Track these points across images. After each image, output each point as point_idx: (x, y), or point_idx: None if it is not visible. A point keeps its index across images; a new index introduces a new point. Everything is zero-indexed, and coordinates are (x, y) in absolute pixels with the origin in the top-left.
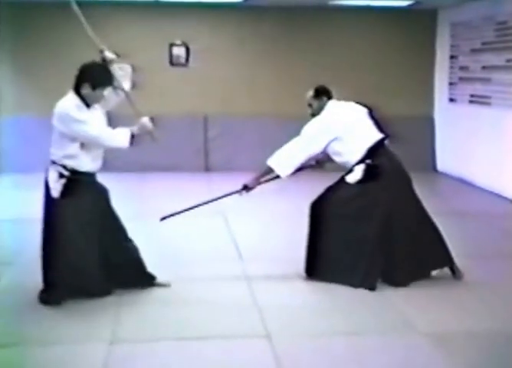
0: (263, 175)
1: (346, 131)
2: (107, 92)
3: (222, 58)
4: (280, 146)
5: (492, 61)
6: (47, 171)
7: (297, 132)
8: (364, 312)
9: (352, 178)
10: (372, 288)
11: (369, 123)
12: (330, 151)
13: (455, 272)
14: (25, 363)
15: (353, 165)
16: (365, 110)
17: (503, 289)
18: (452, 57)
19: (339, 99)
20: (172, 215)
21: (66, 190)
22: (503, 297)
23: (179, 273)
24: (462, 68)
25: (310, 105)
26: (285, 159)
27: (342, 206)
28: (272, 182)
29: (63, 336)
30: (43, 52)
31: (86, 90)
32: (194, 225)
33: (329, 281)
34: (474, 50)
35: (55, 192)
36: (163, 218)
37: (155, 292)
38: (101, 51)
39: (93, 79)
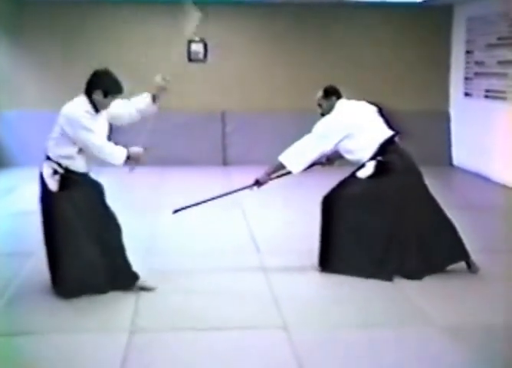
0: (274, 171)
1: (356, 129)
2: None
3: (239, 54)
4: (296, 139)
5: (507, 56)
6: (41, 165)
7: (312, 125)
8: (379, 304)
9: (364, 173)
10: (388, 279)
11: (379, 120)
12: (341, 149)
13: (471, 266)
14: (46, 351)
15: (365, 162)
16: (374, 109)
17: None
18: (468, 52)
19: (349, 97)
20: (184, 208)
21: (61, 184)
22: None
23: (197, 264)
24: (478, 63)
25: (319, 105)
26: (297, 156)
27: (354, 200)
28: (290, 176)
29: (83, 325)
30: (43, 46)
31: (98, 96)
32: (212, 217)
33: (343, 274)
34: (489, 45)
35: (52, 187)
36: (176, 211)
37: (174, 282)
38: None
39: (106, 87)
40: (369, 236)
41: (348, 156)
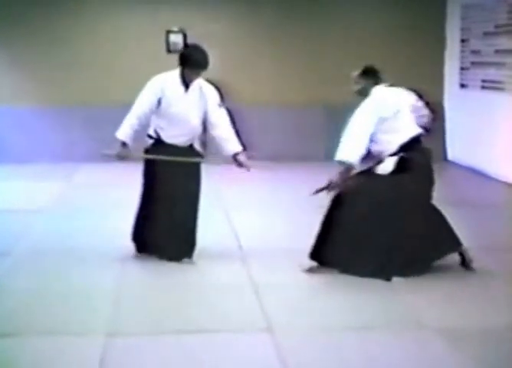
0: (346, 173)
1: (388, 120)
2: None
3: (220, 45)
4: (281, 134)
5: (506, 45)
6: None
7: (298, 119)
8: (370, 305)
9: (383, 169)
10: (388, 279)
11: (411, 116)
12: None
13: (465, 259)
14: (22, 354)
15: (386, 156)
16: (412, 99)
17: None
18: (463, 40)
19: (388, 82)
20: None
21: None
22: None
23: (179, 264)
24: (474, 52)
25: (356, 83)
26: (348, 147)
27: (369, 196)
28: (271, 174)
29: (59, 326)
30: (39, 42)
31: (182, 70)
32: None
33: (335, 267)
34: (486, 34)
35: None
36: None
37: (153, 282)
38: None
39: (184, 61)
40: (375, 234)
41: (373, 146)
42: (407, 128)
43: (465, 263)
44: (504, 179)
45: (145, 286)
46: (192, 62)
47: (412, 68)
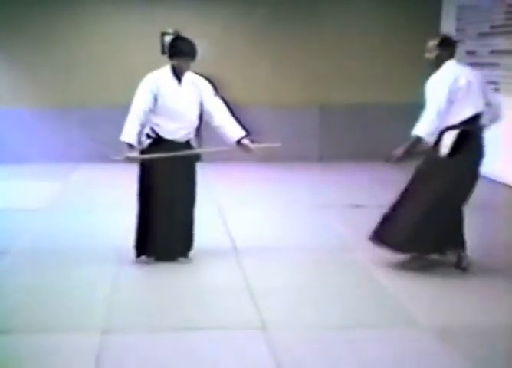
0: (411, 147)
1: (456, 93)
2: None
3: (215, 47)
4: (276, 134)
5: (501, 46)
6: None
7: (293, 120)
8: (362, 304)
9: (446, 144)
10: (443, 252)
11: (477, 93)
12: None
13: (461, 261)
14: (17, 351)
15: (443, 130)
16: (479, 77)
17: (508, 280)
18: (458, 41)
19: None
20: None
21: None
22: (508, 289)
23: (173, 262)
24: (469, 53)
25: (430, 51)
26: (422, 122)
27: (430, 178)
28: (268, 171)
29: (56, 323)
30: (37, 43)
31: (172, 61)
32: None
33: (399, 248)
34: (481, 34)
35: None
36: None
37: (149, 281)
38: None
39: (171, 51)
40: (440, 214)
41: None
42: (471, 104)
43: (460, 265)
44: (500, 179)
45: (141, 284)
46: (179, 51)
47: (408, 68)
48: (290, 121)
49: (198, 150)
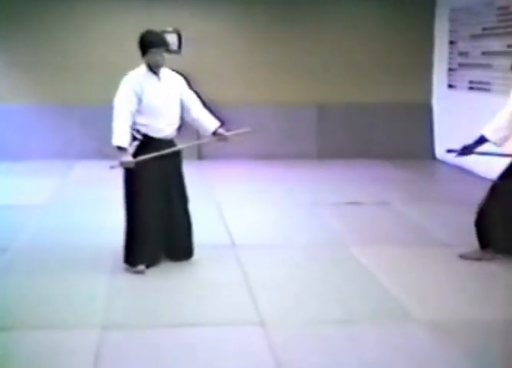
0: (475, 144)
1: None
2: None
3: (215, 45)
4: (274, 132)
5: (493, 47)
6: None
7: (291, 118)
8: (359, 299)
9: None
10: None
11: None
12: None
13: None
14: (15, 348)
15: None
16: None
17: (502, 277)
18: (451, 42)
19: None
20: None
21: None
22: (503, 285)
23: (174, 261)
24: (462, 54)
25: None
26: (496, 129)
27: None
28: (267, 169)
29: (55, 320)
30: (36, 41)
31: (144, 58)
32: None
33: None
34: (474, 36)
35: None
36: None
37: (147, 278)
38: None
39: (142, 45)
40: None
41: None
42: None
43: (468, 257)
44: (490, 178)
45: (140, 281)
46: (150, 43)
47: (402, 69)
48: (288, 119)
49: (181, 146)
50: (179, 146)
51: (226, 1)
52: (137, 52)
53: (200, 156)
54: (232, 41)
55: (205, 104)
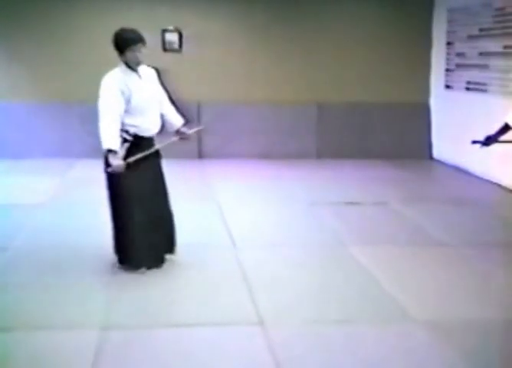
0: (499, 133)
1: None
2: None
3: (216, 44)
4: (275, 133)
5: (489, 48)
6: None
7: (290, 118)
8: (358, 299)
9: None
10: None
11: None
12: None
13: None
14: (14, 349)
15: None
16: None
17: (499, 276)
18: (449, 43)
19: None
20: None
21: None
22: (502, 285)
23: (172, 258)
24: (459, 55)
25: None
26: None
27: None
28: (267, 168)
29: (55, 320)
30: (36, 38)
31: (121, 57)
32: (186, 211)
33: None
34: (471, 37)
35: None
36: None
37: (147, 277)
38: None
39: (118, 45)
40: None
41: None
42: None
43: None
44: (487, 177)
45: (139, 280)
46: (127, 41)
47: (400, 69)
48: (288, 119)
49: (158, 145)
50: (157, 146)
51: (227, 1)
52: None
53: (200, 155)
54: (233, 39)
55: (171, 100)
